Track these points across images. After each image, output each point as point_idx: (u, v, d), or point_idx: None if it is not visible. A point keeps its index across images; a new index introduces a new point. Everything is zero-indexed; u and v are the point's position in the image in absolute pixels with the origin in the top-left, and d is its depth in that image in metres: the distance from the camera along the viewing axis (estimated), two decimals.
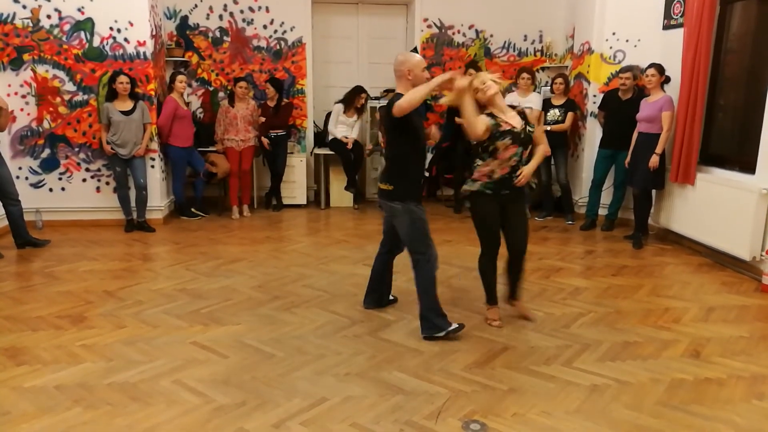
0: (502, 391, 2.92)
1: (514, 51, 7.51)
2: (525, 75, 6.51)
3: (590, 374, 3.09)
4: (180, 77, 6.21)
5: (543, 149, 3.63)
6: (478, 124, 3.36)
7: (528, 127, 3.53)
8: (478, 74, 3.56)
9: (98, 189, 6.18)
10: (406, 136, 3.43)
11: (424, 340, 3.48)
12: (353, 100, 6.77)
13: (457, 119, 6.63)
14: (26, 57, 5.85)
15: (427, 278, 3.49)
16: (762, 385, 3.00)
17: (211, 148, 6.73)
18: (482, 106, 3.51)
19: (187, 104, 6.59)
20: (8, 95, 5.83)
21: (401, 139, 3.44)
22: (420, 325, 3.54)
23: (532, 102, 6.48)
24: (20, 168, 5.97)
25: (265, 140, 6.67)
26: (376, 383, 2.98)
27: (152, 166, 6.18)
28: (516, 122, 3.50)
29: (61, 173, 6.10)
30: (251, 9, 7.06)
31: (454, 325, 3.50)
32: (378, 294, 3.96)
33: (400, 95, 3.33)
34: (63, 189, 6.13)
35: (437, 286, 3.53)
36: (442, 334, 3.47)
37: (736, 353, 3.36)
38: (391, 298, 4.05)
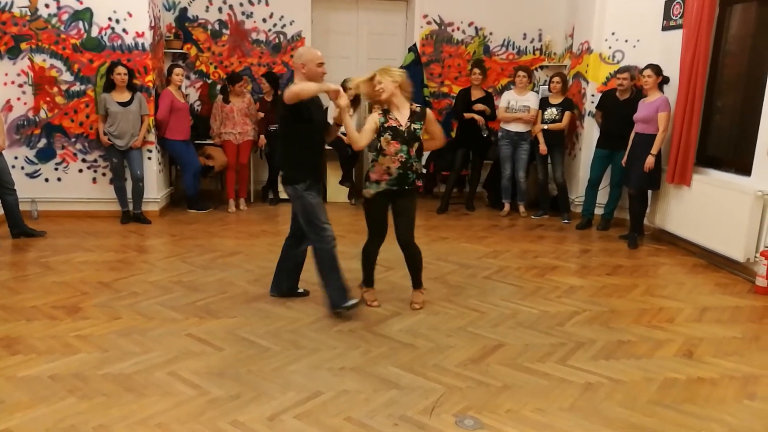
0: (497, 387, 2.93)
1: (513, 49, 7.51)
2: (521, 73, 6.51)
3: (584, 372, 3.11)
4: (177, 70, 6.19)
5: (435, 144, 3.96)
6: (358, 139, 3.55)
7: (413, 125, 3.64)
8: (380, 73, 3.63)
9: (94, 180, 6.16)
10: (300, 123, 3.55)
11: (421, 338, 3.49)
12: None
13: (466, 115, 6.63)
14: (24, 46, 5.81)
15: (327, 258, 3.67)
16: (754, 386, 3.02)
17: (208, 141, 6.72)
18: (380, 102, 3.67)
19: (185, 97, 6.58)
20: (5, 84, 5.81)
21: (294, 126, 3.58)
22: (327, 303, 3.74)
23: (530, 101, 6.49)
24: (16, 157, 5.93)
25: (262, 139, 6.66)
26: (371, 378, 2.99)
27: (149, 158, 6.16)
28: (403, 120, 3.63)
29: (57, 163, 6.08)
30: (251, 2, 7.03)
31: (353, 301, 3.69)
32: (278, 280, 4.03)
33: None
34: (59, 179, 6.10)
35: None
36: (346, 305, 3.67)
37: (729, 354, 3.38)
38: (300, 291, 4.07)
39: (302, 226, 3.73)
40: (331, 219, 3.76)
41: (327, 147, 6.87)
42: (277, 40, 7.16)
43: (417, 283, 3.94)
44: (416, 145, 3.67)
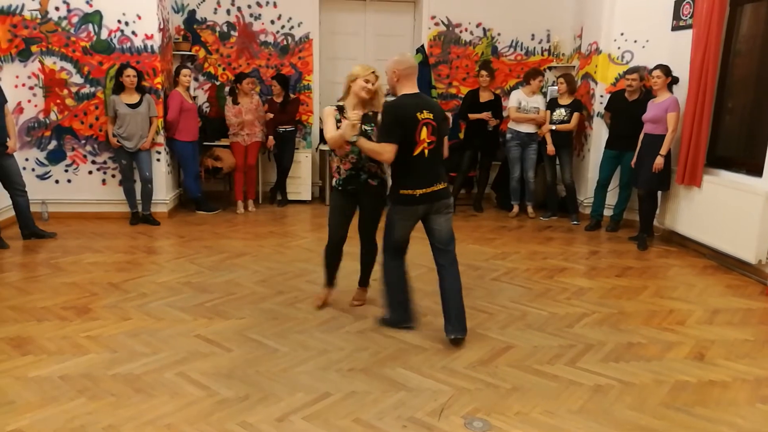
0: (506, 389, 2.92)
1: (521, 50, 7.49)
2: (540, 78, 6.52)
3: (593, 374, 3.09)
4: (184, 71, 6.22)
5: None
6: (340, 137, 3.46)
7: (363, 126, 3.48)
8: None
9: (104, 182, 6.20)
10: None
11: (430, 339, 3.48)
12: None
13: (470, 115, 6.62)
14: (34, 49, 5.86)
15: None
16: (766, 388, 2.99)
17: (216, 143, 6.74)
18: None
19: (193, 98, 6.60)
20: (16, 86, 5.86)
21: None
22: (461, 327, 3.40)
23: (538, 102, 6.49)
24: (27, 159, 5.98)
25: (270, 140, 6.67)
26: (380, 379, 2.99)
27: (158, 160, 6.19)
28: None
29: (67, 165, 6.12)
30: (259, 4, 7.05)
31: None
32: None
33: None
34: (69, 181, 6.14)
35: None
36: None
37: (741, 356, 3.35)
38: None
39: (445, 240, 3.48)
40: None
41: (324, 149, 6.91)
42: (285, 42, 7.17)
43: (364, 280, 3.98)
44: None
